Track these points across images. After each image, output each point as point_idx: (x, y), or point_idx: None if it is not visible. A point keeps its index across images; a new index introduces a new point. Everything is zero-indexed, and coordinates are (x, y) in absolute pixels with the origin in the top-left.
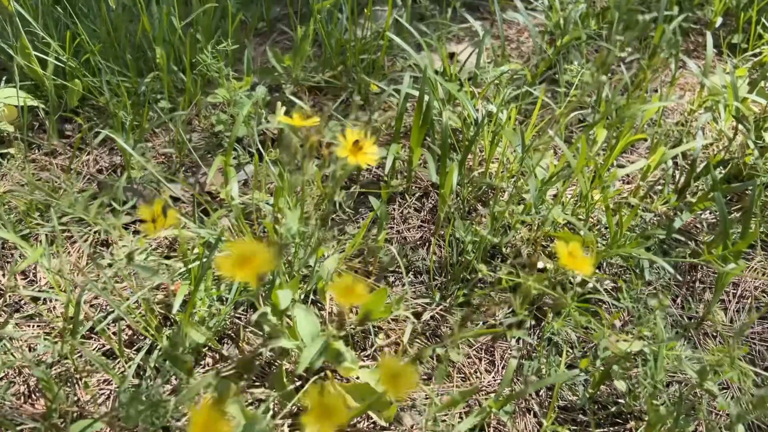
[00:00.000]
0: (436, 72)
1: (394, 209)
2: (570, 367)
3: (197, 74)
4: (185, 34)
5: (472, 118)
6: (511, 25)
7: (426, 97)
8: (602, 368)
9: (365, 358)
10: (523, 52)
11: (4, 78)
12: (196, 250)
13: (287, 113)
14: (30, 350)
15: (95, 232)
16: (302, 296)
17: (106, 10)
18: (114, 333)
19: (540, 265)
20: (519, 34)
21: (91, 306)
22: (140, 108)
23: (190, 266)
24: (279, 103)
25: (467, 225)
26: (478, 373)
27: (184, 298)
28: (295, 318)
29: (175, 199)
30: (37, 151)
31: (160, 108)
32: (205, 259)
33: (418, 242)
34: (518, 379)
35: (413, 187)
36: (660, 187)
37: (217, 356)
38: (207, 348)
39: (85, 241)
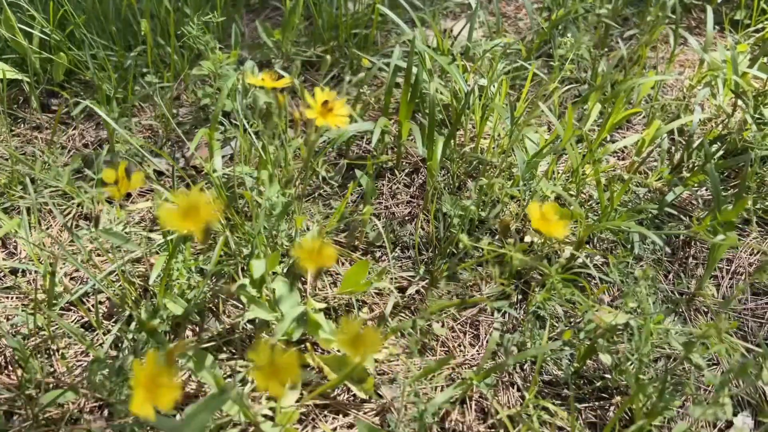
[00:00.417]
0: (429, 47)
1: (383, 185)
2: (555, 341)
3: (185, 48)
4: (172, 8)
5: (463, 92)
6: (509, 2)
7: (415, 70)
8: (587, 342)
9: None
10: (520, 28)
11: None
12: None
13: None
14: (7, 321)
15: (78, 206)
16: (285, 270)
17: None
18: (93, 306)
19: (527, 239)
20: (517, 11)
21: (72, 278)
22: (126, 82)
23: (168, 238)
24: (252, 66)
25: (455, 200)
26: (462, 347)
27: (162, 270)
28: (275, 290)
29: (160, 174)
30: (22, 125)
31: (146, 82)
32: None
33: (407, 218)
34: (501, 353)
35: (403, 163)
36: (655, 163)
37: (197, 329)
38: (187, 320)
39: (67, 214)
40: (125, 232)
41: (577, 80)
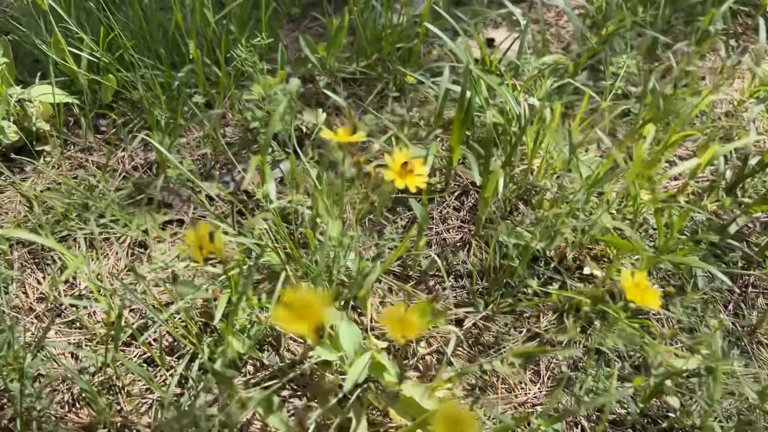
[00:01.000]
0: (476, 61)
1: (432, 208)
2: (620, 379)
3: (229, 64)
4: (218, 26)
5: (514, 112)
6: (549, 8)
7: (468, 93)
8: (654, 383)
9: (407, 368)
10: (563, 37)
11: (38, 73)
12: (236, 256)
13: (323, 111)
14: (73, 357)
15: (133, 231)
16: (342, 303)
17: (138, 5)
18: (154, 339)
19: (586, 270)
20: (557, 17)
21: (131, 310)
22: (174, 103)
23: (230, 273)
24: (319, 111)
25: (510, 228)
26: (523, 384)
27: (225, 309)
28: (337, 329)
29: (211, 199)
30: (72, 148)
31: (195, 103)
32: (244, 278)
33: (458, 244)
34: (565, 391)
35: (452, 185)
36: (710, 184)
37: (258, 364)
38: (247, 356)
39: (123, 242)
40: (184, 268)
41: (626, 95)
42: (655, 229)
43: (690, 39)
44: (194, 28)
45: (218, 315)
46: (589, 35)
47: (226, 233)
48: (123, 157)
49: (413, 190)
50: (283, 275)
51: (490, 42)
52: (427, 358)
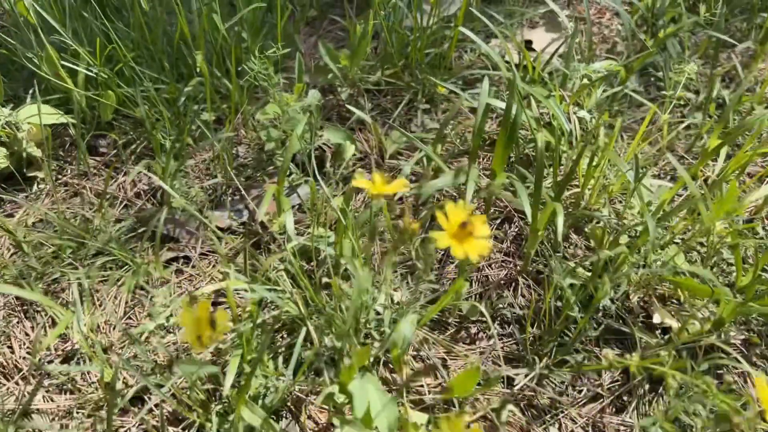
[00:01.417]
0: (516, 66)
1: None
2: None
3: (241, 76)
4: (229, 33)
5: (564, 129)
6: (590, 3)
7: (513, 109)
8: None
9: None
10: (607, 36)
11: (31, 91)
12: (248, 307)
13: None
14: (62, 428)
15: (133, 272)
16: (372, 360)
17: (140, 12)
18: (156, 405)
19: (656, 318)
20: (599, 15)
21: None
22: (180, 120)
23: (241, 329)
24: (348, 144)
25: (566, 268)
26: None
27: (236, 372)
28: (368, 400)
29: (222, 230)
30: (68, 172)
31: (203, 121)
32: (259, 342)
33: (503, 282)
34: None
35: (493, 211)
36: None
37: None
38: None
39: (122, 284)
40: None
41: (684, 103)
42: (730, 264)
43: (750, 38)
44: (202, 36)
45: (228, 383)
46: (644, 37)
47: (237, 291)
48: (124, 182)
49: (474, 259)
50: (301, 335)
51: (528, 44)
52: (473, 426)
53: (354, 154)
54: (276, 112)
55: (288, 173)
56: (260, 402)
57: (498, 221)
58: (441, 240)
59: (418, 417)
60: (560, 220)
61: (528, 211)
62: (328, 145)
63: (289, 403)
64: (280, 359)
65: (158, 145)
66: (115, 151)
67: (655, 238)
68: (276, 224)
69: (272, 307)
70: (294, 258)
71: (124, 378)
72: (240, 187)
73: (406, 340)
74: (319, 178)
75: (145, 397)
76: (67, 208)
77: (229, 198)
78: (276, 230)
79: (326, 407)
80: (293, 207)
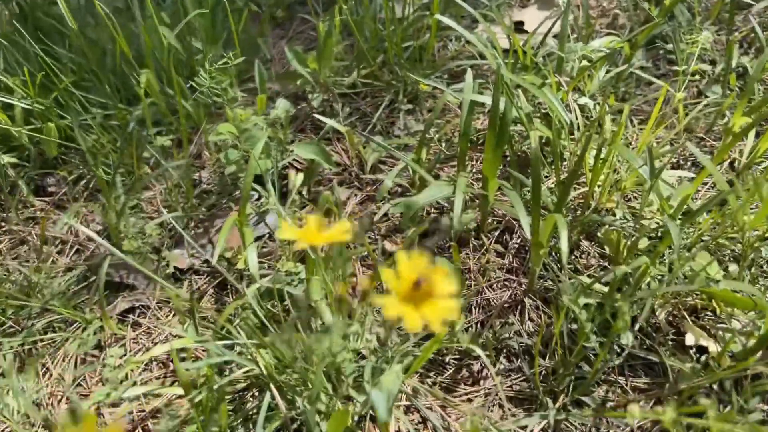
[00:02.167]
0: (504, 52)
1: (467, 255)
2: None
3: (199, 95)
4: (181, 42)
5: (563, 120)
6: None
7: (502, 105)
8: None
9: None
10: (606, 9)
11: None
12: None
13: (319, 133)
14: None
15: (83, 330)
16: (355, 419)
17: (78, 31)
18: None
19: (689, 339)
20: None
21: None
22: (130, 149)
23: (195, 398)
24: (286, 107)
25: (576, 286)
26: None
27: None
28: None
29: (183, 271)
30: (14, 217)
31: (160, 147)
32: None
33: (507, 305)
34: None
35: (490, 221)
36: None
37: None
38: None
39: (72, 342)
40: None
41: (700, 77)
42: (766, 271)
43: None
44: (150, 52)
45: None
46: (648, 6)
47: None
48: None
49: (437, 329)
50: (266, 400)
51: (519, 26)
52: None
53: (330, 169)
54: (231, 132)
55: (257, 197)
56: None
57: (497, 232)
58: (391, 307)
59: None
60: (564, 237)
61: (526, 225)
62: (302, 162)
63: None
64: (250, 425)
65: (102, 181)
66: (65, 189)
67: (680, 245)
68: (241, 260)
69: (238, 364)
70: (259, 304)
71: None
72: (188, 226)
73: (391, 397)
74: (292, 199)
75: None
76: (14, 258)
77: (192, 232)
78: (243, 267)
79: None
80: (263, 237)
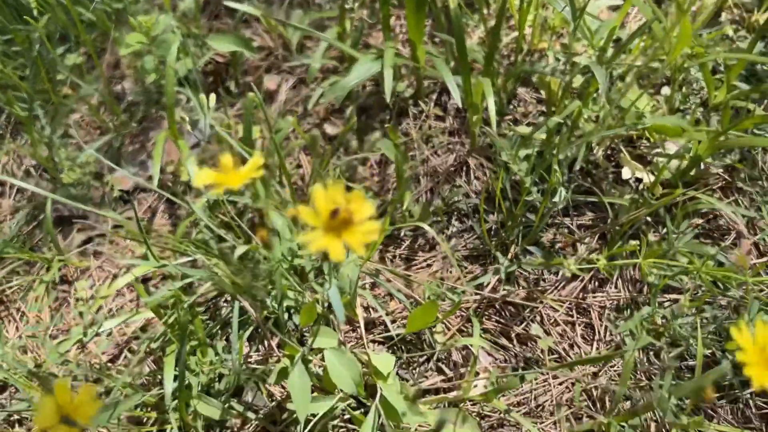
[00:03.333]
0: None
1: (408, 125)
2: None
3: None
4: None
5: None
6: None
7: None
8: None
9: (426, 375)
10: None
11: None
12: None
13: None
14: None
15: (46, 269)
16: (325, 305)
17: None
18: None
19: (625, 173)
20: None
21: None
22: (41, 72)
23: (168, 323)
24: (191, 4)
25: (514, 141)
26: (575, 347)
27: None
28: (329, 365)
29: (129, 192)
30: None
31: (68, 67)
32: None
33: (452, 168)
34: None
35: (427, 84)
36: None
37: (242, 408)
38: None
39: (38, 286)
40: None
41: None
42: (701, 84)
43: None
44: None
45: (168, 388)
46: None
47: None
48: (8, 163)
49: (361, 251)
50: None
51: None
52: (451, 352)
53: (253, 56)
54: (141, 42)
55: (186, 100)
56: (215, 390)
57: (435, 95)
58: (314, 241)
59: (384, 362)
60: (491, 103)
61: (455, 92)
62: (222, 54)
63: (251, 378)
64: (229, 329)
65: (21, 116)
66: None
67: (610, 79)
68: (185, 172)
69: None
70: (210, 216)
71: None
72: (137, 127)
73: (352, 284)
74: (221, 95)
75: None
76: None
77: (128, 149)
78: (187, 179)
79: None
80: (196, 147)
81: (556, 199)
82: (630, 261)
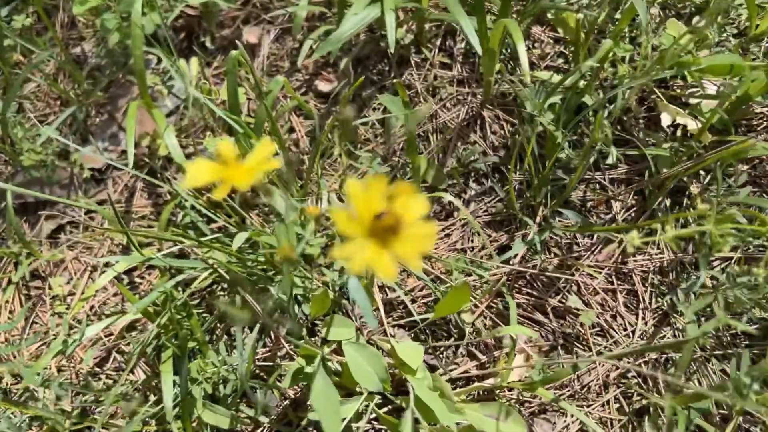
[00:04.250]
0: None
1: (411, 76)
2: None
3: None
4: None
5: None
6: None
7: None
8: None
9: (456, 363)
10: None
11: None
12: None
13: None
14: None
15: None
16: (336, 290)
17: None
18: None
19: (665, 119)
20: None
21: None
22: None
23: (161, 320)
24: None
25: (540, 92)
26: (618, 317)
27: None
28: (349, 360)
29: (101, 171)
30: None
31: (17, 30)
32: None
33: (465, 123)
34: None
35: (429, 28)
36: None
37: (252, 411)
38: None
39: (7, 286)
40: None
41: None
42: (732, 18)
43: None
44: None
45: (167, 399)
46: None
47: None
48: None
49: (415, 265)
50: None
51: None
52: (482, 330)
53: (229, 6)
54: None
55: (156, 62)
56: (221, 395)
57: (438, 40)
58: (355, 256)
59: (412, 354)
60: (522, 50)
61: (471, 35)
62: (194, 6)
63: (260, 374)
64: (222, 343)
65: None
66: None
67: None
68: (161, 145)
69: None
70: (196, 196)
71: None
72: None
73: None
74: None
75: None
76: None
77: (96, 120)
78: (166, 152)
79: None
80: (179, 108)
81: (609, 161)
82: (696, 229)
